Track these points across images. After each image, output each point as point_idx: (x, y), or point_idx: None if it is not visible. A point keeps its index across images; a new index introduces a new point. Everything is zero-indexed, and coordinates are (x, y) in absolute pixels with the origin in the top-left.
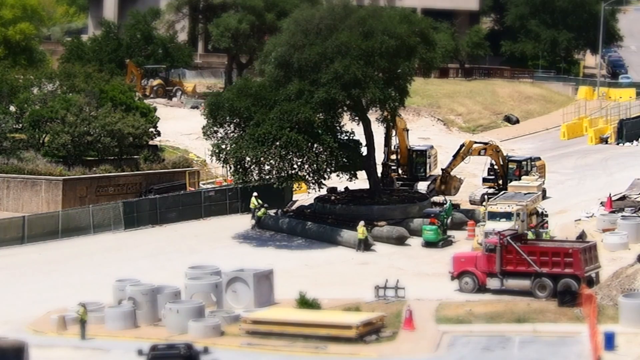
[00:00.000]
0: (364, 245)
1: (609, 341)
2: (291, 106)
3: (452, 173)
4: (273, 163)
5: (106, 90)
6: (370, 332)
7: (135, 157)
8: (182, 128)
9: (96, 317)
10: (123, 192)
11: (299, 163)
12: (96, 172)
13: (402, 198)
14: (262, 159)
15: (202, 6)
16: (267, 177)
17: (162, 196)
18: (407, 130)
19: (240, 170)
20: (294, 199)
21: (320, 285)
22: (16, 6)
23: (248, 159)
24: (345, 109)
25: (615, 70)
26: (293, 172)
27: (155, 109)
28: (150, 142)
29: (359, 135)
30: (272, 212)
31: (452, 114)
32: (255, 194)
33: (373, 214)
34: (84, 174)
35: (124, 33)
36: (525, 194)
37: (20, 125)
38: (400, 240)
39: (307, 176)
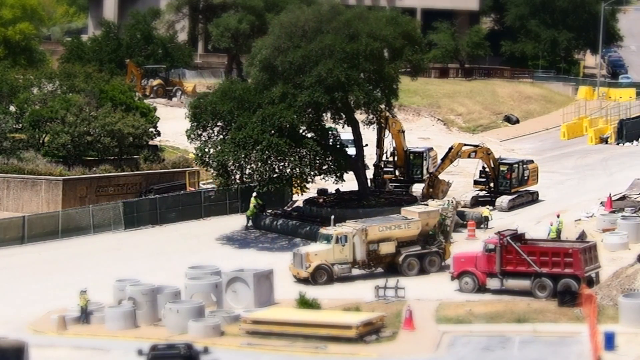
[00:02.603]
0: None
1: (609, 341)
2: (273, 110)
3: (450, 175)
4: (254, 167)
5: (106, 90)
6: (370, 332)
7: (135, 157)
8: (182, 128)
9: (96, 317)
10: (123, 192)
11: (280, 167)
12: (96, 172)
13: (389, 201)
14: (243, 162)
15: (202, 6)
16: (249, 181)
17: (162, 196)
18: (403, 132)
19: (223, 173)
20: (293, 199)
21: (320, 285)
22: (16, 6)
23: (230, 163)
24: (334, 111)
25: (615, 70)
26: (275, 176)
27: (155, 109)
28: (150, 142)
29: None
30: (269, 212)
31: (452, 114)
32: (254, 194)
33: (359, 217)
34: (84, 174)
35: (124, 33)
36: (404, 218)
37: (20, 125)
38: None
39: (289, 180)
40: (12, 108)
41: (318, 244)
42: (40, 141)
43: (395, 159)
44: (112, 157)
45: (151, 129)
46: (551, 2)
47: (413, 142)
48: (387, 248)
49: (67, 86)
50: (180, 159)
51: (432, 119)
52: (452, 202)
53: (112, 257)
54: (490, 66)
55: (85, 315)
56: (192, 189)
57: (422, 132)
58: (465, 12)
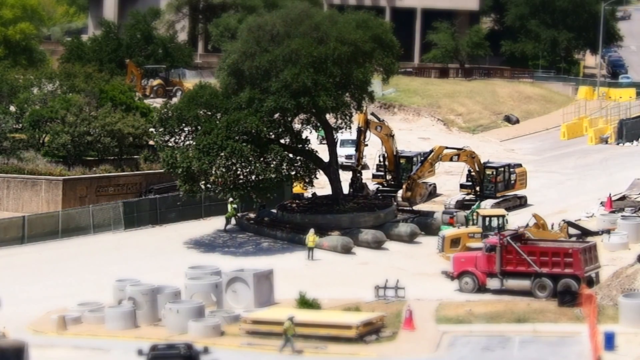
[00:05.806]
0: (312, 253)
1: (609, 341)
2: (238, 115)
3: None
4: (218, 173)
5: (106, 90)
6: (370, 332)
7: (135, 157)
8: None
9: (96, 317)
10: (123, 192)
11: (245, 173)
12: (96, 172)
13: (362, 205)
14: (207, 169)
15: (202, 6)
16: (213, 187)
17: (162, 196)
18: (393, 136)
19: (188, 180)
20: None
21: (320, 285)
22: (16, 6)
23: (194, 169)
24: (304, 115)
25: (615, 70)
26: (239, 182)
27: (155, 109)
28: (150, 142)
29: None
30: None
31: (452, 114)
32: None
33: (328, 222)
34: (84, 174)
35: (124, 33)
36: None
37: (20, 125)
38: (346, 250)
39: (255, 186)
40: (12, 108)
41: None
42: (40, 141)
43: (387, 163)
44: (112, 157)
45: (151, 129)
46: (551, 2)
47: (413, 142)
48: None
49: (67, 86)
50: None
51: (432, 119)
52: None
53: (112, 257)
54: (490, 66)
55: (290, 344)
56: None
57: (422, 132)
58: (465, 12)
